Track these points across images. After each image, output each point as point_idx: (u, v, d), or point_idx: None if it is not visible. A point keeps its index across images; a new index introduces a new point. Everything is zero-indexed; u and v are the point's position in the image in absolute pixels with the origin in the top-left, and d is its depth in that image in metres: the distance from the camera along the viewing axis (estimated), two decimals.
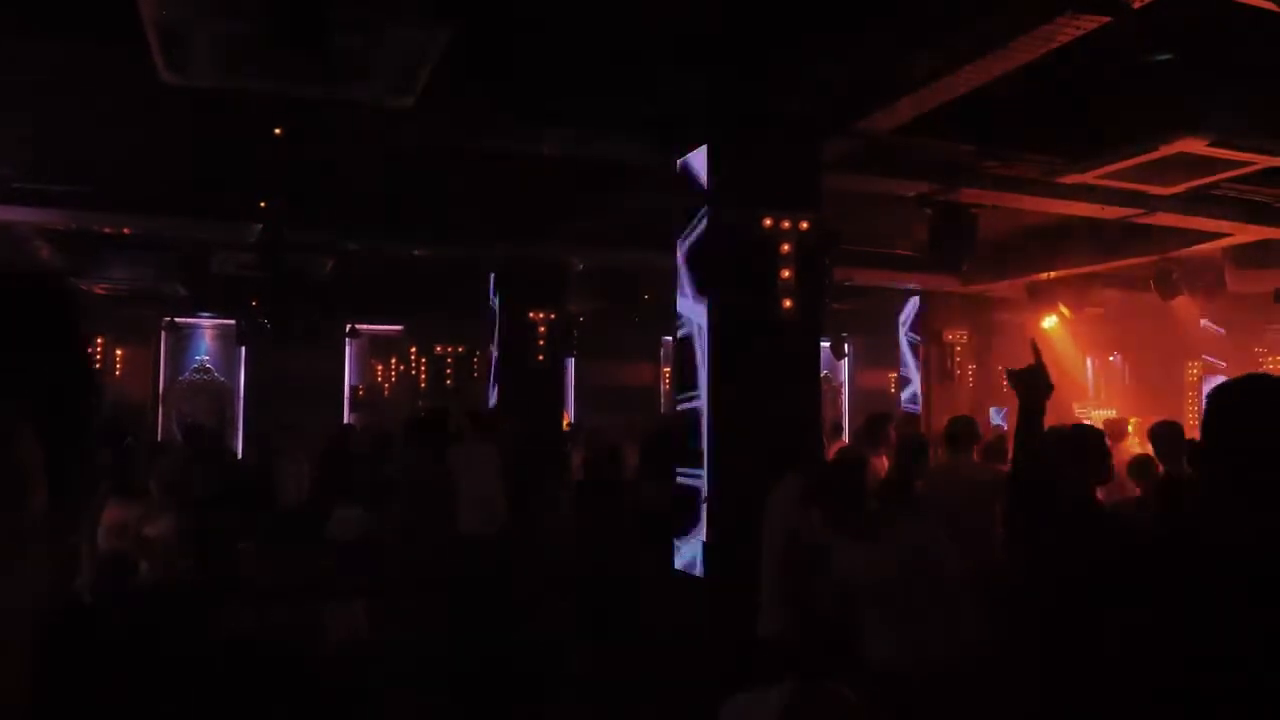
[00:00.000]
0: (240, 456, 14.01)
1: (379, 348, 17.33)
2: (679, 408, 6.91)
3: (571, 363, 15.21)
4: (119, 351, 15.52)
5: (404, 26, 4.44)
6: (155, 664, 5.05)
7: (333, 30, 4.10)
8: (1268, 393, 2.13)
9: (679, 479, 6.72)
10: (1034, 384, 3.28)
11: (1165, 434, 6.90)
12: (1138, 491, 6.38)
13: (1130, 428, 10.49)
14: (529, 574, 7.05)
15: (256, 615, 5.68)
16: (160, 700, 5.03)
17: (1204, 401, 2.21)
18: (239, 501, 7.83)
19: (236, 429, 16.38)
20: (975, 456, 7.53)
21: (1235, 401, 2.16)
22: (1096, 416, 13.85)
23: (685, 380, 6.79)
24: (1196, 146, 6.51)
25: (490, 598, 6.49)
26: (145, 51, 4.82)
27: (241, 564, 6.62)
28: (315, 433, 10.81)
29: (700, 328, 6.58)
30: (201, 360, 16.78)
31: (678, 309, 6.88)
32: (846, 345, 17.05)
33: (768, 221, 6.37)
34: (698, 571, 6.42)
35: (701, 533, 6.44)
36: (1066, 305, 13.05)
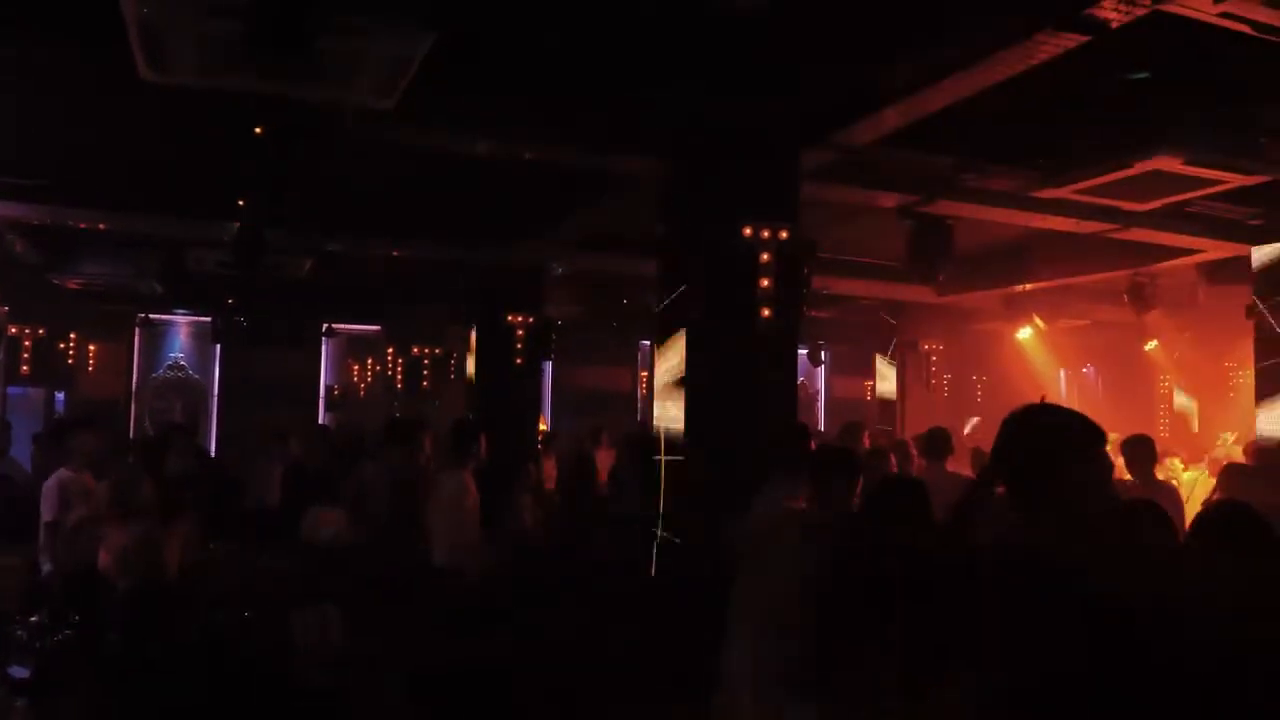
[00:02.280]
0: (214, 456, 13.93)
1: (356, 348, 17.27)
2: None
3: (549, 366, 15.19)
4: (92, 347, 15.37)
5: (387, 30, 4.44)
6: (124, 667, 5.01)
7: (316, 33, 4.09)
8: (1033, 417, 2.54)
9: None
10: None
11: (1136, 447, 7.03)
12: None
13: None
14: (507, 578, 7.04)
15: (227, 618, 5.64)
16: (129, 705, 4.99)
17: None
18: (212, 502, 7.76)
19: (210, 428, 16.28)
20: (950, 466, 7.63)
21: (1010, 428, 2.54)
22: None
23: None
24: (1171, 164, 6.59)
25: (469, 601, 6.48)
26: (125, 48, 4.79)
27: (214, 566, 6.57)
28: (293, 432, 10.76)
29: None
30: (176, 358, 16.67)
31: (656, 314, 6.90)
32: (823, 353, 17.14)
33: (747, 231, 6.39)
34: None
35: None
36: (1041, 317, 13.17)
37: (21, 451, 10.69)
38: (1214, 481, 9.62)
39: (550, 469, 9.67)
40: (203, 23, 4.35)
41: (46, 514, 6.74)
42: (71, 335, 14.70)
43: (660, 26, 5.38)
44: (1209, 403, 14.79)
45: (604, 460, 9.62)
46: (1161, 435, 13.79)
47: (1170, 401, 15.64)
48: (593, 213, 9.09)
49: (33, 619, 6.04)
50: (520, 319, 11.21)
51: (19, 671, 5.88)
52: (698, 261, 6.54)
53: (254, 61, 4.49)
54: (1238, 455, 10.02)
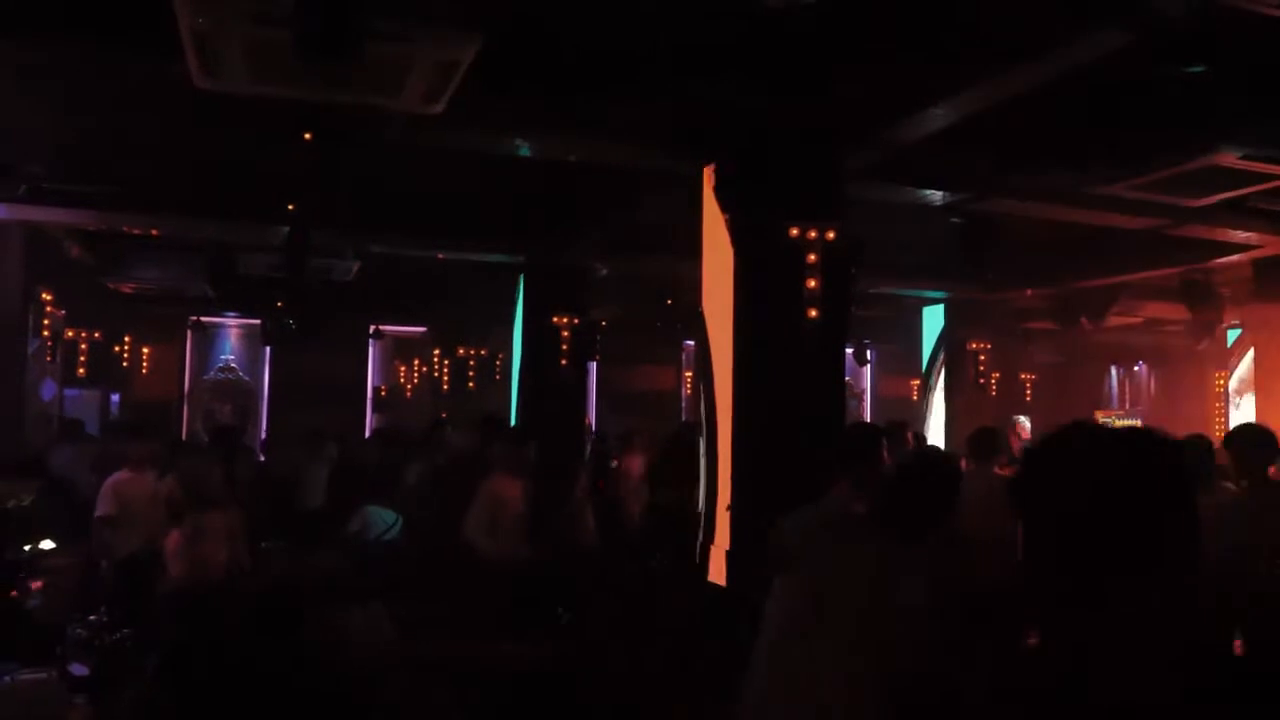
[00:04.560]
0: (265, 457, 14.10)
1: (402, 349, 17.41)
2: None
3: (594, 367, 15.22)
4: (145, 350, 15.68)
5: (435, 36, 4.47)
6: (179, 669, 5.08)
7: (365, 40, 4.13)
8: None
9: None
10: None
11: (1190, 449, 6.87)
12: None
13: None
14: (557, 580, 7.05)
15: (277, 617, 5.70)
16: (181, 706, 5.06)
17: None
18: (264, 502, 7.87)
19: (260, 428, 16.50)
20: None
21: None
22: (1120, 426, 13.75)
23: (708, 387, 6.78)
24: (1227, 159, 6.47)
25: (516, 603, 6.51)
26: (179, 56, 4.87)
27: (264, 565, 6.66)
28: (342, 433, 10.90)
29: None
30: (226, 360, 16.91)
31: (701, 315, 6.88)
32: (869, 352, 16.98)
33: (794, 231, 6.35)
34: (720, 578, 6.42)
35: (725, 541, 6.45)
36: (1092, 314, 12.98)
37: None
38: None
39: (635, 465, 9.62)
40: (254, 32, 4.41)
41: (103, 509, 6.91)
42: (126, 338, 15.01)
43: (706, 26, 5.37)
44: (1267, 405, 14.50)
45: (635, 465, 9.64)
46: (1217, 433, 13.54)
47: (1226, 399, 15.34)
48: (637, 214, 9.09)
49: (91, 617, 6.17)
50: (565, 320, 11.23)
51: (79, 669, 6.00)
52: (743, 262, 6.51)
53: (304, 69, 4.54)
54: None
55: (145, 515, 6.84)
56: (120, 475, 7.06)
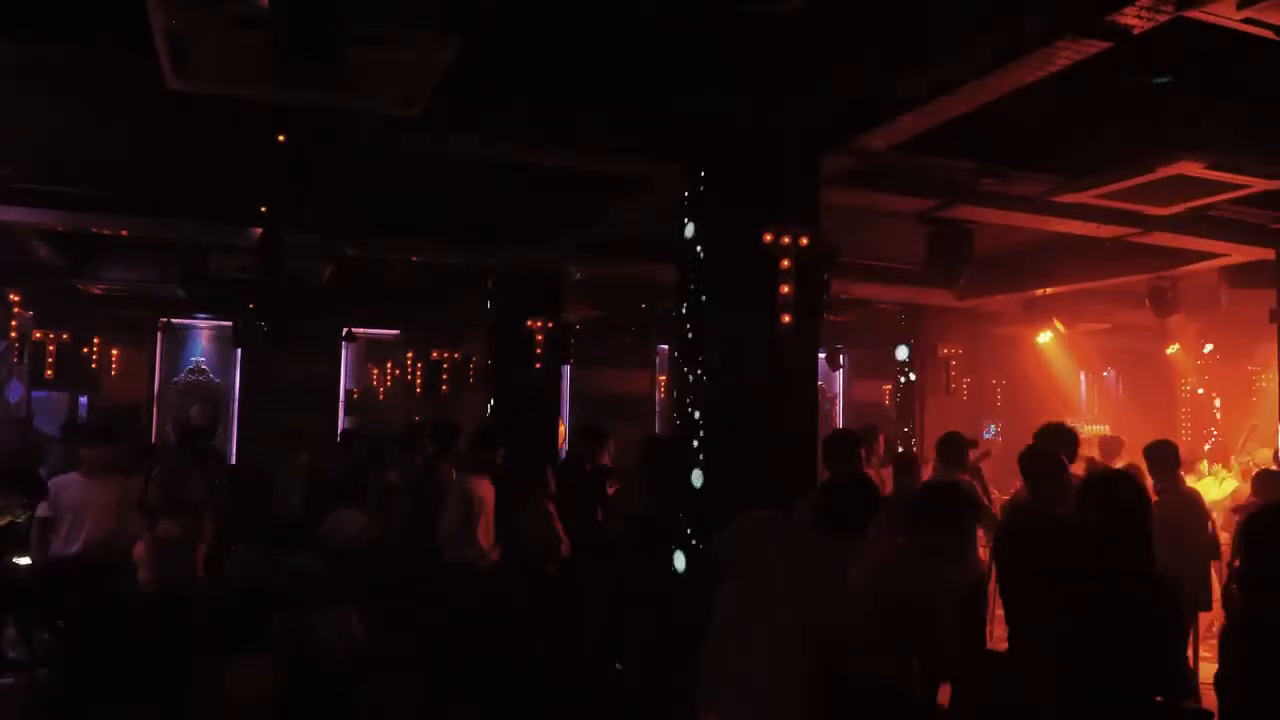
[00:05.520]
0: (236, 459, 14.00)
1: (375, 352, 17.33)
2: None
3: (567, 370, 15.21)
4: (114, 352, 15.51)
5: (413, 39, 4.47)
6: (155, 668, 5.06)
7: (342, 42, 4.12)
8: None
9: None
10: None
11: (1158, 453, 7.00)
12: None
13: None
14: (518, 581, 7.06)
15: (253, 620, 5.69)
16: (157, 705, 5.03)
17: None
18: (236, 505, 7.82)
19: (231, 431, 16.37)
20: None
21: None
22: (1090, 433, 13.91)
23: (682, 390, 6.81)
24: (1194, 169, 6.55)
25: (489, 603, 6.51)
26: (150, 56, 4.83)
27: (238, 568, 6.62)
28: (315, 434, 10.84)
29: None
30: (197, 362, 16.77)
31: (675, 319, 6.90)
32: (841, 357, 17.07)
33: (768, 236, 6.39)
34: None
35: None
36: (1061, 321, 13.12)
37: None
38: (1234, 486, 9.61)
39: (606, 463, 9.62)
40: (229, 33, 4.39)
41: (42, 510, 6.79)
42: (95, 340, 14.85)
43: (681, 32, 5.39)
44: (1232, 407, 14.73)
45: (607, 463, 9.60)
46: (1184, 439, 13.72)
47: (1192, 405, 15.57)
48: (612, 217, 9.10)
49: (59, 622, 6.13)
50: (539, 323, 11.23)
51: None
52: (718, 267, 6.54)
53: (280, 71, 4.53)
54: (1265, 462, 10.04)
55: (97, 518, 6.70)
56: (68, 477, 6.94)
